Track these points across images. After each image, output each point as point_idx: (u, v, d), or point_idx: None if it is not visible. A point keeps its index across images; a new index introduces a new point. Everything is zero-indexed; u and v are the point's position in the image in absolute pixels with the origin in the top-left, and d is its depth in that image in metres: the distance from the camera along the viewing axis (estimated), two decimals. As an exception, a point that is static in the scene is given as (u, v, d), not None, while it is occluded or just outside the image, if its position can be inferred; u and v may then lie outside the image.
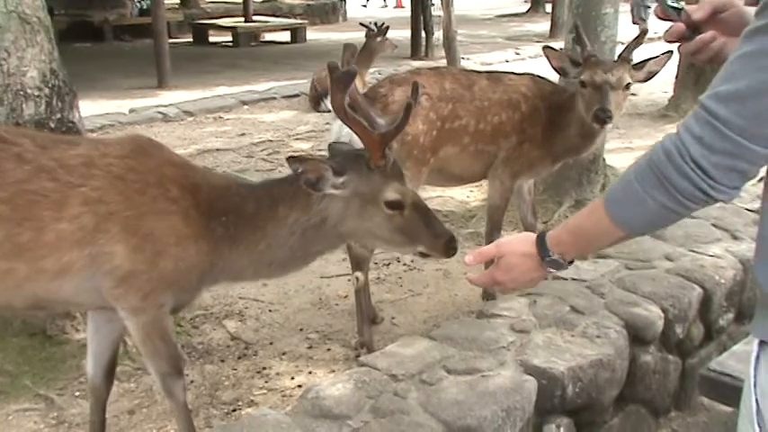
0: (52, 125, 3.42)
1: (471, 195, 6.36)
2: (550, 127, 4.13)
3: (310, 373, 3.76)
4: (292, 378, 3.71)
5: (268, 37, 17.32)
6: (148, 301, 2.56)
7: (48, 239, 2.42)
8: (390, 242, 2.67)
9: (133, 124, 8.86)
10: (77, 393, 3.47)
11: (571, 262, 1.84)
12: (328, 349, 4.00)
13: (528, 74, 4.39)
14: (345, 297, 4.59)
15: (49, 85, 3.41)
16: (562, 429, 3.32)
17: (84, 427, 3.15)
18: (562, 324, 3.81)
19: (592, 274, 4.44)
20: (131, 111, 9.43)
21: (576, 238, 1.78)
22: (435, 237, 2.62)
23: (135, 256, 2.49)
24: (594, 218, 1.70)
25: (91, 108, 8.57)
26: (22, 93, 3.31)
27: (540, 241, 1.82)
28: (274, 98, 10.30)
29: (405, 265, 5.12)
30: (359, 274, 3.96)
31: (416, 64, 11.57)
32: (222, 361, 3.88)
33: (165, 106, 9.68)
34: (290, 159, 2.47)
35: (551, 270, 1.84)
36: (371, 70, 9.17)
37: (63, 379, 3.55)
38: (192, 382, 3.61)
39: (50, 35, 3.45)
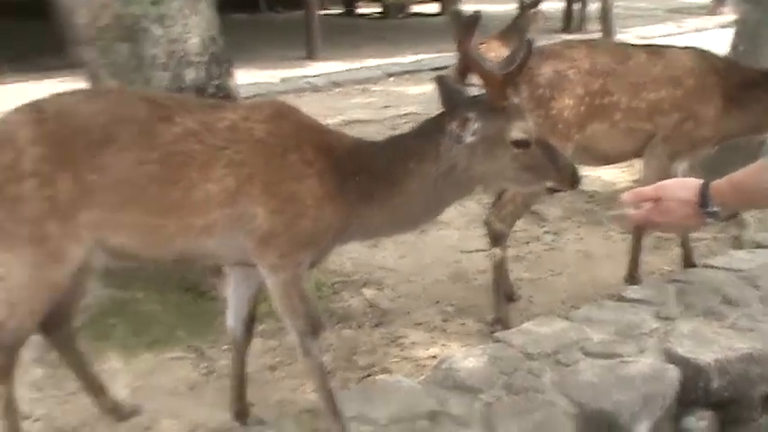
0: (211, 91, 3.60)
1: (621, 176, 6.15)
2: (728, 104, 3.90)
3: (444, 345, 3.80)
4: (426, 349, 3.77)
5: (416, 9, 17.34)
6: (287, 260, 2.69)
7: (194, 199, 2.58)
8: (518, 181, 2.70)
9: (283, 94, 9.17)
10: (225, 347, 3.67)
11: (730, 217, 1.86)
12: (463, 323, 4.02)
13: (693, 48, 4.16)
14: (483, 272, 4.58)
15: (209, 52, 3.59)
16: (704, 423, 3.19)
17: (230, 378, 3.33)
18: (711, 314, 3.66)
19: (747, 264, 4.22)
20: (282, 80, 9.76)
21: (738, 195, 1.79)
22: (561, 170, 2.64)
23: (274, 217, 2.62)
24: (758, 178, 1.72)
25: (243, 77, 8.87)
26: (184, 59, 3.51)
27: (703, 191, 1.82)
28: (421, 70, 10.35)
29: (545, 244, 5.05)
30: (497, 250, 3.95)
31: (569, 38, 11.24)
32: (359, 327, 3.99)
33: (314, 77, 9.96)
34: (447, 119, 2.57)
35: (709, 220, 1.85)
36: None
37: (213, 332, 3.77)
38: (330, 345, 3.75)
39: (211, 3, 3.62)
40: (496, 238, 3.94)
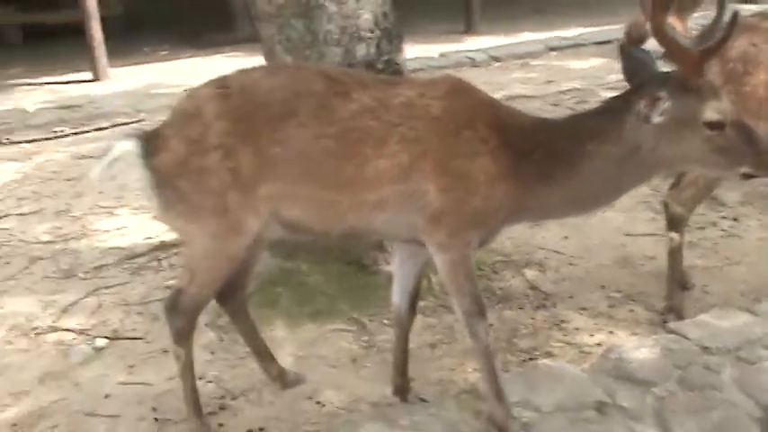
0: (380, 66, 3.60)
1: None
2: None
3: (611, 332, 3.63)
4: (591, 335, 3.61)
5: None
6: (456, 239, 2.64)
7: (368, 175, 2.58)
8: (708, 165, 2.55)
9: (442, 68, 9.12)
10: (386, 321, 3.70)
11: None
12: (631, 310, 3.83)
13: None
14: (652, 258, 4.35)
15: (381, 28, 3.58)
16: None
17: (390, 353, 3.34)
18: None
19: None
20: (441, 55, 9.70)
21: None
22: (760, 154, 2.45)
23: (445, 195, 2.58)
24: None
25: (403, 51, 8.94)
26: (356, 35, 3.52)
27: None
28: (584, 45, 9.96)
29: (722, 230, 4.71)
30: (674, 234, 3.71)
31: (754, 8, 10.41)
32: (520, 308, 3.89)
33: (473, 51, 9.82)
34: (635, 97, 2.45)
35: None
36: (695, 15, 8.41)
37: (374, 306, 3.81)
38: (490, 326, 3.66)
39: (384, -21, 3.61)
40: (674, 223, 3.70)
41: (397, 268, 3.03)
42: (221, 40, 11.72)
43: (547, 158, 2.60)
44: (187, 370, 2.91)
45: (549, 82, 8.38)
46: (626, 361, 3.02)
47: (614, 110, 2.55)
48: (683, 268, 3.94)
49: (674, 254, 3.74)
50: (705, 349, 3.09)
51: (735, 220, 4.83)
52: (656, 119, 2.42)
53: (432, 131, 2.58)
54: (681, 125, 2.43)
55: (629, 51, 2.60)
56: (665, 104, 2.40)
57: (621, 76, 2.69)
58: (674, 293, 3.74)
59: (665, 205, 3.74)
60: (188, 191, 2.63)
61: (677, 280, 3.80)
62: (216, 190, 2.61)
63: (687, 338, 3.17)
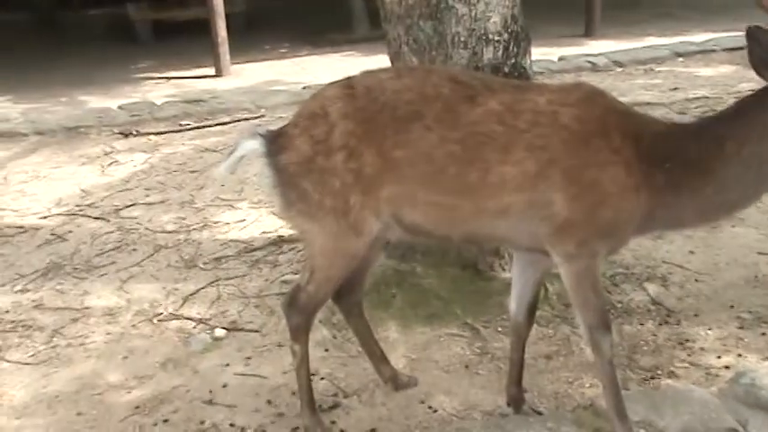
0: (506, 70, 3.54)
1: None
2: None
3: (740, 355, 3.43)
4: (719, 357, 3.43)
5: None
6: (583, 249, 2.56)
7: (492, 181, 2.52)
8: None
9: (562, 72, 8.92)
10: (500, 329, 3.64)
11: None
12: (763, 333, 3.60)
13: None
14: (788, 278, 4.10)
15: (509, 31, 3.52)
16: None
17: (504, 361, 3.28)
18: None
19: None
20: (560, 59, 9.49)
21: None
22: None
23: (574, 205, 2.50)
24: None
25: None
26: (484, 37, 3.47)
27: None
28: (713, 50, 9.51)
29: None
30: None
31: None
32: (641, 324, 3.74)
33: (594, 55, 9.55)
34: None
35: None
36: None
37: (488, 313, 3.75)
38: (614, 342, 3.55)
39: (514, -19, 3.55)
40: None
41: (517, 276, 2.97)
42: (340, 40, 11.91)
43: (682, 166, 2.49)
44: (302, 366, 2.94)
45: (674, 89, 8.05)
46: (759, 387, 2.84)
47: (752, 109, 2.41)
48: None
49: None
50: None
51: None
52: None
53: (560, 140, 2.50)
54: None
55: (759, 35, 2.37)
56: None
57: (753, 86, 2.53)
58: None
59: None
60: (310, 190, 2.66)
61: None
62: (338, 190, 2.62)
63: (828, 367, 2.96)
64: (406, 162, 2.58)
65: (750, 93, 2.52)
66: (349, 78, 2.75)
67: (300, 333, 2.90)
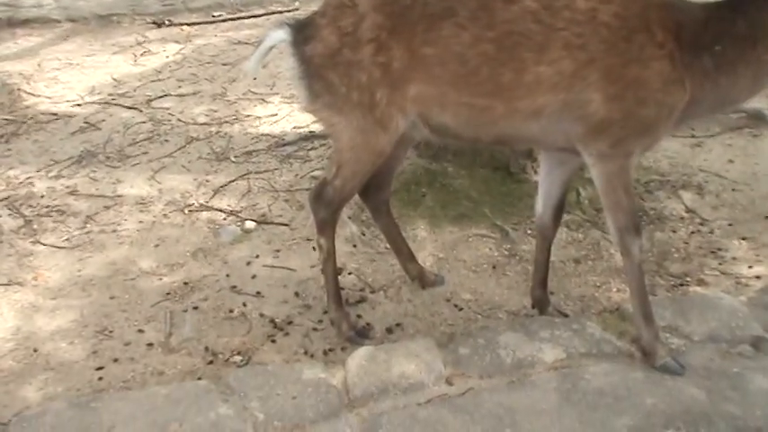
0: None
1: None
2: None
3: (772, 266, 3.39)
4: (750, 267, 3.39)
5: None
6: (617, 149, 2.51)
7: (526, 81, 2.45)
8: None
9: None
10: (529, 231, 3.62)
11: None
12: (798, 245, 3.56)
13: None
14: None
15: None
16: None
17: (532, 263, 3.27)
18: None
19: None
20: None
21: None
22: None
23: (613, 104, 2.43)
24: None
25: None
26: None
27: None
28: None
29: None
30: None
31: None
32: (674, 232, 3.69)
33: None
34: None
35: None
36: None
37: (518, 215, 3.73)
38: (644, 246, 3.51)
39: None
40: None
41: (544, 177, 2.93)
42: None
43: (733, 44, 2.41)
44: (329, 260, 2.96)
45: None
46: (790, 298, 2.82)
47: None
48: None
49: None
50: None
51: None
52: None
53: (600, 38, 2.41)
54: None
55: None
56: None
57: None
58: None
59: None
60: (337, 83, 2.61)
61: None
62: (365, 84, 2.57)
63: None
64: (436, 60, 2.51)
65: None
66: None
67: (327, 227, 2.90)
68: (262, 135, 4.84)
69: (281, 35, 2.67)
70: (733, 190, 4.06)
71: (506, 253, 3.54)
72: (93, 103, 5.46)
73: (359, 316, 3.13)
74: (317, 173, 4.24)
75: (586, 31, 2.41)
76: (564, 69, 2.42)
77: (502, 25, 2.45)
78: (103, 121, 5.14)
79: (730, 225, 3.73)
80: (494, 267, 3.44)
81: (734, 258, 3.46)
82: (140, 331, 3.08)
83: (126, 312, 3.21)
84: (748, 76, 2.45)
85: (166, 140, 4.83)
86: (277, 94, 5.47)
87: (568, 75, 2.43)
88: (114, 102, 5.45)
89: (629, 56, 2.40)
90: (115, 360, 2.92)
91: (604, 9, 2.42)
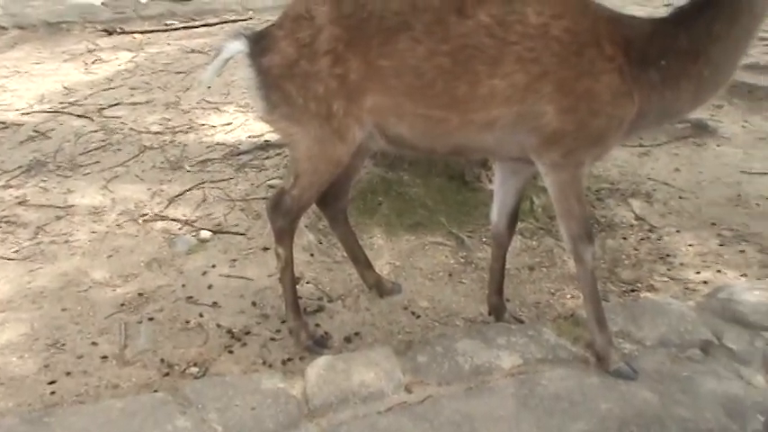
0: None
1: None
2: None
3: (719, 271, 3.49)
4: (698, 272, 3.49)
5: None
6: (570, 159, 2.57)
7: (480, 94, 2.50)
8: None
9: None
10: (484, 239, 3.67)
11: None
12: (742, 251, 3.66)
13: None
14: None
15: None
16: None
17: (487, 271, 3.31)
18: None
19: None
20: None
21: None
22: None
23: (566, 116, 2.49)
24: None
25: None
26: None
27: None
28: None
29: None
30: None
31: None
32: (624, 239, 3.78)
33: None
34: None
35: None
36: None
37: (473, 223, 3.77)
38: (596, 253, 3.59)
39: None
40: None
41: (498, 186, 2.98)
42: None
43: (677, 58, 2.49)
44: (287, 269, 2.96)
45: (667, 5, 7.89)
46: (736, 302, 2.90)
47: None
48: None
49: None
50: (824, 299, 2.93)
51: None
52: None
53: (552, 52, 2.47)
54: None
55: None
56: None
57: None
58: None
59: None
60: (294, 93, 2.62)
61: None
62: (322, 95, 2.59)
63: (805, 286, 3.02)
64: (393, 73, 2.54)
65: None
66: None
67: (285, 236, 2.90)
68: (217, 144, 4.81)
69: (237, 46, 2.68)
70: (680, 198, 4.18)
71: (462, 261, 3.58)
72: (43, 111, 5.37)
73: (317, 325, 3.12)
74: (273, 182, 4.23)
75: (539, 45, 2.47)
76: (517, 82, 2.48)
77: (456, 39, 2.50)
78: (53, 130, 5.06)
79: (678, 232, 3.84)
80: (450, 275, 3.48)
81: (682, 264, 3.56)
82: (94, 344, 3.03)
83: (79, 325, 3.15)
84: (691, 90, 2.54)
85: (119, 149, 4.77)
86: (232, 102, 5.45)
87: (521, 88, 2.48)
88: (65, 110, 5.37)
89: (580, 69, 2.47)
90: (68, 374, 2.86)
91: (556, 24, 2.49)
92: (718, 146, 4.86)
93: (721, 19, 2.41)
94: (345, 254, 3.36)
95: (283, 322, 3.08)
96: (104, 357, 2.95)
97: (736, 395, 2.46)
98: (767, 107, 5.40)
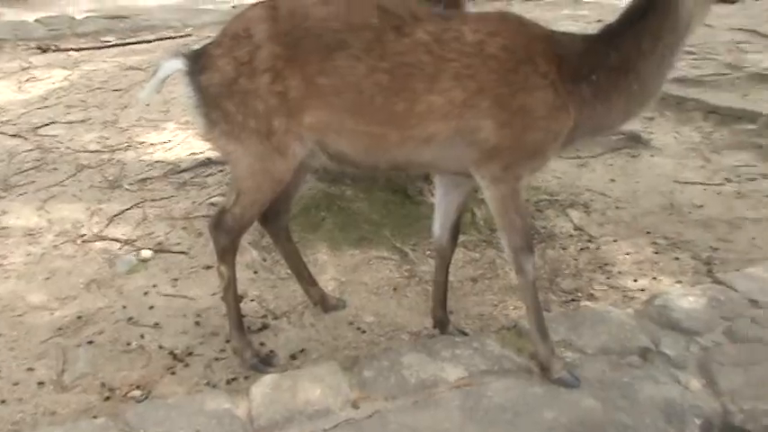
0: (440, -5, 3.48)
1: None
2: None
3: (655, 278, 3.58)
4: (635, 280, 3.57)
5: None
6: (509, 172, 2.62)
7: (419, 110, 2.54)
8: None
9: (491, 1, 8.86)
10: (428, 252, 3.69)
11: None
12: (676, 258, 3.77)
13: None
14: (701, 207, 4.27)
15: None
16: None
17: (432, 284, 3.34)
18: None
19: None
20: (492, -14, 9.43)
21: None
22: None
23: (503, 131, 2.55)
24: None
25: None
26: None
27: None
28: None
29: (773, 181, 4.60)
30: None
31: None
32: (564, 249, 3.86)
33: (526, -16, 9.52)
34: None
35: None
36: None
37: (417, 236, 3.80)
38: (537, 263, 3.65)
39: None
40: None
41: (440, 199, 3.02)
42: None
43: (607, 74, 2.57)
44: (230, 288, 2.93)
45: (599, 21, 8.12)
46: (671, 309, 2.99)
47: (659, 5, 2.49)
48: None
49: None
50: (753, 302, 3.04)
51: (786, 171, 4.72)
52: None
53: (488, 68, 2.53)
54: None
55: None
56: None
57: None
58: None
59: None
60: (234, 111, 2.63)
61: None
62: (262, 112, 2.60)
63: (735, 290, 3.13)
64: (332, 90, 2.57)
65: None
66: (273, 0, 2.68)
67: (227, 255, 2.88)
68: (156, 162, 4.75)
69: (176, 64, 2.67)
70: (616, 207, 4.29)
71: (407, 274, 3.60)
72: (-25, 131, 5.21)
73: (262, 343, 3.10)
74: (214, 200, 4.19)
75: (475, 62, 2.53)
76: (455, 98, 2.53)
77: (395, 57, 2.54)
78: (-15, 150, 4.92)
79: (615, 241, 3.93)
80: (395, 289, 3.49)
81: (620, 273, 3.65)
82: (30, 369, 2.95)
83: (14, 350, 3.06)
84: (621, 104, 2.62)
85: (55, 169, 4.66)
86: (171, 120, 5.38)
87: (459, 104, 2.53)
88: (-3, 129, 5.23)
89: (516, 85, 2.53)
90: (2, 401, 2.78)
91: (491, 42, 2.56)
92: (651, 156, 5.00)
93: (648, 36, 2.50)
94: (289, 270, 3.34)
95: (227, 341, 3.05)
96: (41, 383, 2.87)
97: (673, 400, 2.53)
98: (696, 118, 5.58)
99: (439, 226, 3.02)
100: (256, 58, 2.57)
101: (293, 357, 3.02)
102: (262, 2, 2.70)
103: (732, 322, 2.91)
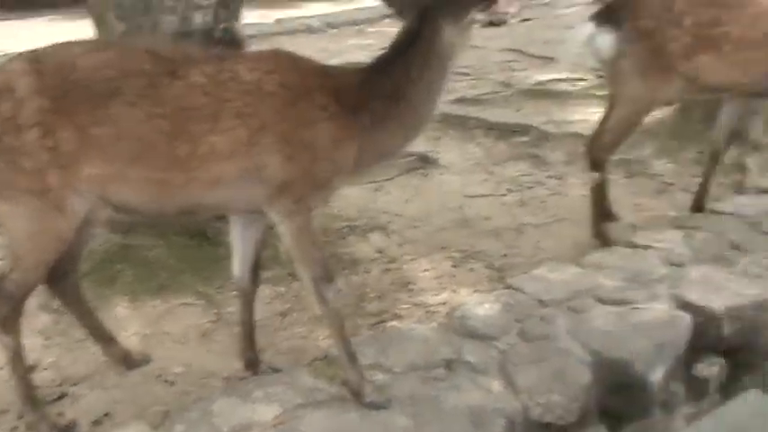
0: (218, 35, 3.51)
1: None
2: None
3: (454, 291, 3.77)
4: (436, 295, 3.74)
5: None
6: (301, 205, 2.66)
7: (202, 152, 2.53)
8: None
9: (277, 35, 8.99)
10: (233, 293, 3.63)
11: None
12: (471, 269, 3.99)
13: None
14: (488, 218, 4.55)
15: (217, -4, 3.47)
16: (715, 369, 3.19)
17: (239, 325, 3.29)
18: (720, 260, 3.65)
19: (753, 210, 4.21)
20: (276, 21, 9.56)
21: None
22: None
23: (291, 165, 2.59)
24: None
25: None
26: (192, 2, 3.40)
27: None
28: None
29: (549, 189, 5.00)
30: (596, 174, 4.12)
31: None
32: (367, 272, 3.96)
33: (309, 17, 9.75)
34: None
35: None
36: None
37: (220, 278, 3.73)
38: (338, 291, 3.70)
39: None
40: (596, 164, 4.12)
41: (236, 239, 2.99)
42: (40, 3, 10.90)
43: (383, 103, 2.68)
44: (17, 358, 2.72)
45: (384, 49, 8.47)
46: (470, 318, 3.15)
47: (425, 30, 2.61)
48: (607, 202, 4.25)
49: (597, 190, 4.15)
50: (540, 302, 3.28)
51: (559, 179, 5.15)
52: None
53: (268, 105, 2.57)
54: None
55: None
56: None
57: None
58: (599, 223, 4.16)
59: (587, 151, 4.14)
60: (1, 170, 2.48)
61: (604, 212, 4.21)
62: (32, 169, 2.46)
63: (524, 292, 3.36)
64: (108, 139, 2.48)
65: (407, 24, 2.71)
66: (35, 52, 2.56)
67: (10, 324, 2.67)
68: None
69: None
70: (413, 227, 4.47)
71: (214, 318, 3.52)
72: None
73: (60, 414, 2.89)
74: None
75: (255, 100, 2.56)
76: (238, 137, 2.53)
77: (172, 101, 2.50)
78: None
79: (414, 259, 4.10)
80: (203, 335, 3.41)
81: (422, 289, 3.80)
82: None
83: None
84: (397, 129, 2.75)
85: None
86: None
87: (243, 142, 2.54)
88: None
89: (297, 120, 2.59)
90: None
91: (268, 79, 2.60)
92: (441, 174, 5.28)
93: (416, 65, 2.64)
94: (85, 332, 3.16)
95: (20, 418, 2.82)
96: None
97: (478, 405, 2.65)
98: (478, 135, 5.97)
99: (239, 266, 2.99)
100: (21, 113, 2.43)
101: (97, 423, 2.85)
102: (23, 54, 2.56)
103: (523, 323, 3.12)
